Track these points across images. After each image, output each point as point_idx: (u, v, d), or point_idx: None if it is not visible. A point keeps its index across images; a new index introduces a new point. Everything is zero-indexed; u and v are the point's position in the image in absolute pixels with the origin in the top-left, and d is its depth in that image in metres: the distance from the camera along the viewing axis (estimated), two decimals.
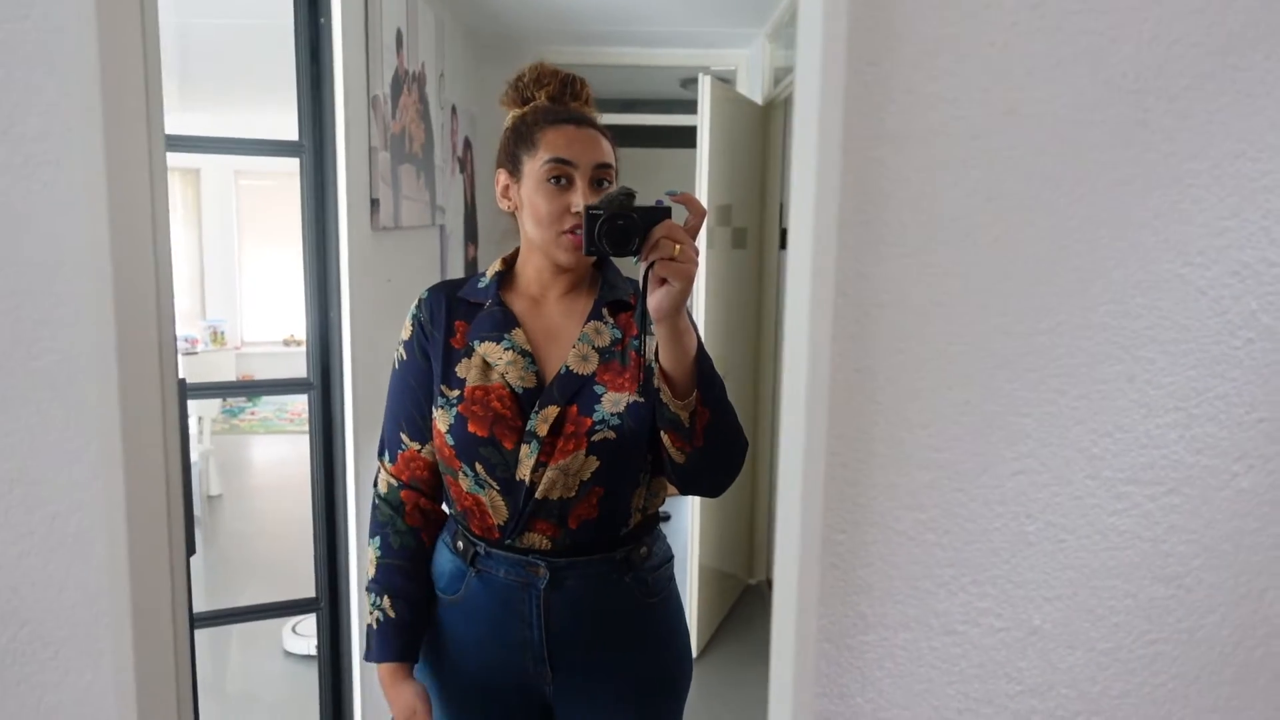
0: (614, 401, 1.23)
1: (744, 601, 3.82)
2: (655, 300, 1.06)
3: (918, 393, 0.71)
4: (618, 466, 1.24)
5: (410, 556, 1.33)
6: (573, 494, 1.22)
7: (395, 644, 1.30)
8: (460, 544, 1.31)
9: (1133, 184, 0.71)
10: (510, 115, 1.35)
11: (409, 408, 1.32)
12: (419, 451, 1.32)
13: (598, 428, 1.21)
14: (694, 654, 3.43)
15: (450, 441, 1.25)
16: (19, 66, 0.77)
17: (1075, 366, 0.73)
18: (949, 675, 0.75)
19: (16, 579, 0.82)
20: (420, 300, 1.34)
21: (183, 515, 0.71)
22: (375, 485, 1.37)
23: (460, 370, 1.26)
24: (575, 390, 1.23)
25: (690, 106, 3.41)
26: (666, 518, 4.77)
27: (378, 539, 1.34)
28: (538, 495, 1.22)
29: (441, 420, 1.26)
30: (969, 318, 0.71)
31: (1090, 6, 0.70)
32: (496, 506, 1.25)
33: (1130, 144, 0.71)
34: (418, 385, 1.31)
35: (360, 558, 2.41)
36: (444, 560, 1.34)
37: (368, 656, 1.31)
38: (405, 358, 1.33)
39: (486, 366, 1.25)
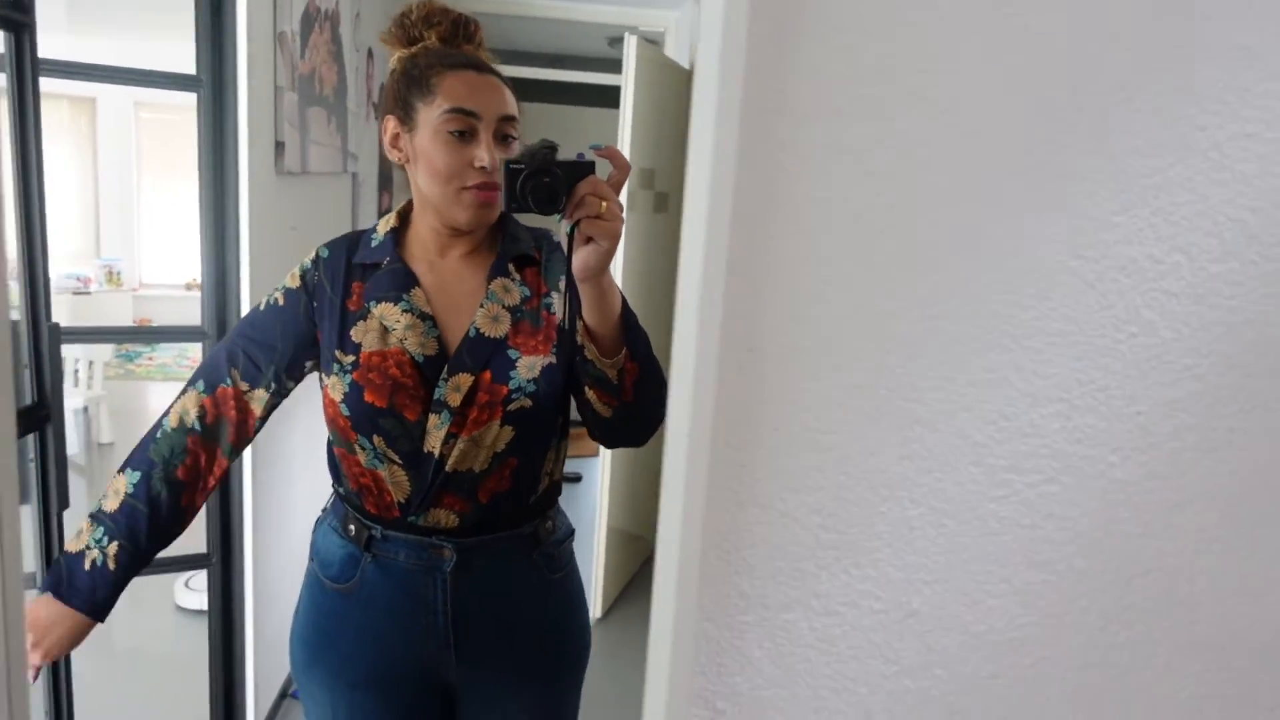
0: (529, 367, 1.17)
1: (650, 564, 3.86)
2: (581, 259, 1.01)
3: (808, 374, 0.71)
4: (532, 435, 1.19)
5: (161, 510, 1.20)
6: (486, 467, 1.18)
7: (99, 596, 1.17)
8: (352, 527, 1.23)
9: (1030, 174, 0.71)
10: (397, 56, 1.26)
11: (255, 348, 1.21)
12: (244, 393, 1.21)
13: (514, 396, 1.16)
14: (599, 613, 3.45)
15: (345, 412, 1.17)
16: None
17: (965, 354, 0.74)
18: (827, 656, 0.76)
19: None
20: (318, 257, 1.23)
21: (13, 473, 0.65)
22: (165, 414, 1.23)
23: (355, 334, 1.18)
24: (488, 356, 1.17)
25: (618, 66, 3.34)
26: (578, 479, 4.76)
27: (138, 474, 1.20)
28: (448, 468, 1.17)
29: (335, 389, 1.17)
30: (861, 301, 0.70)
31: None
32: (398, 482, 1.18)
33: (1029, 134, 0.70)
34: (279, 335, 1.20)
35: (257, 513, 2.34)
36: (333, 546, 1.26)
37: (51, 586, 1.15)
38: (281, 304, 1.22)
39: (384, 330, 1.17)
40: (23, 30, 1.55)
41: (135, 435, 1.25)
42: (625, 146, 3.12)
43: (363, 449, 1.18)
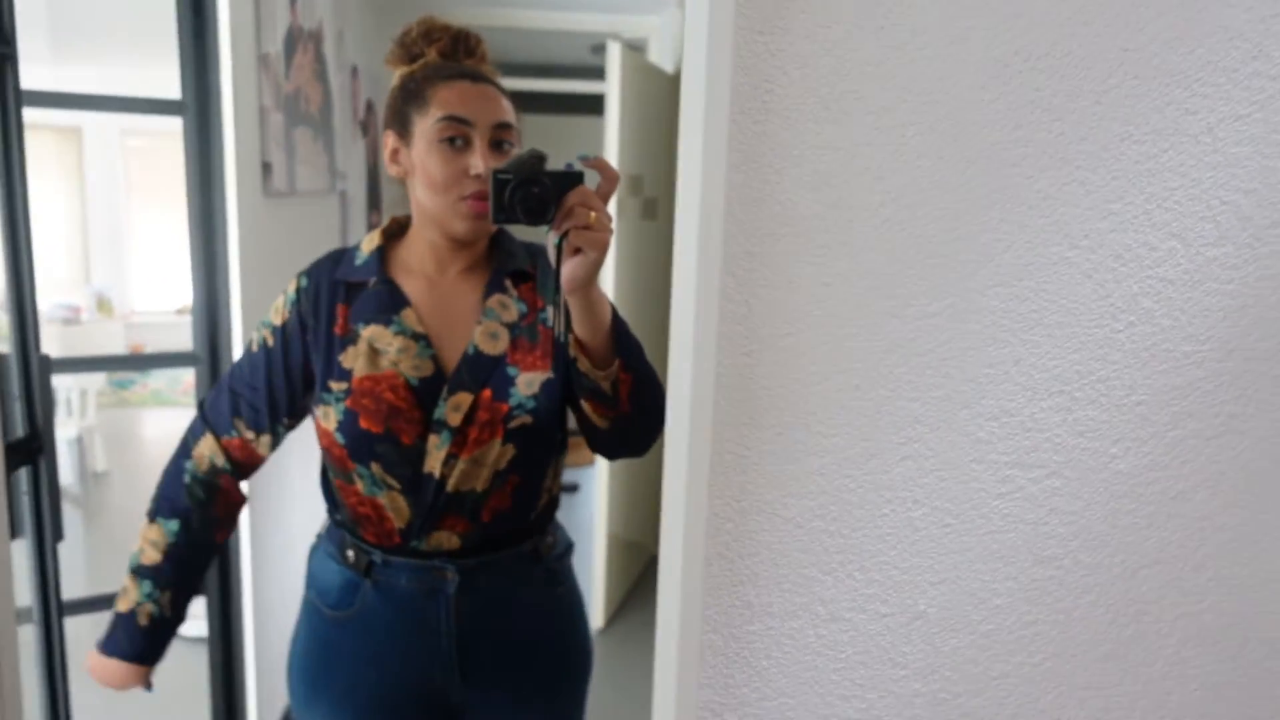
0: (528, 383, 1.16)
1: (651, 571, 3.84)
2: (569, 271, 0.99)
3: (807, 377, 0.70)
4: (534, 452, 1.18)
5: (204, 551, 1.24)
6: (487, 486, 1.16)
7: (161, 648, 1.23)
8: (351, 554, 1.21)
9: (1022, 165, 0.71)
10: (398, 74, 1.25)
11: (255, 395, 1.20)
12: (251, 441, 1.22)
13: (515, 413, 1.14)
14: (601, 623, 3.42)
15: (341, 440, 1.14)
16: None
17: (964, 350, 0.73)
18: (835, 662, 0.75)
19: None
20: (299, 288, 1.20)
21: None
22: (187, 457, 1.23)
23: (345, 360, 1.15)
24: (487, 374, 1.15)
25: (601, 73, 3.34)
26: (575, 488, 4.75)
27: (176, 522, 1.21)
28: (449, 490, 1.15)
29: (328, 417, 1.15)
30: (858, 300, 0.70)
31: None
32: (398, 508, 1.16)
33: (1020, 124, 0.70)
34: (276, 380, 1.19)
35: (255, 538, 2.32)
36: (330, 573, 1.24)
37: (113, 649, 1.21)
38: (272, 345, 1.19)
39: (374, 353, 1.15)
40: (4, 61, 1.54)
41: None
42: (612, 153, 3.11)
43: (361, 477, 1.15)
